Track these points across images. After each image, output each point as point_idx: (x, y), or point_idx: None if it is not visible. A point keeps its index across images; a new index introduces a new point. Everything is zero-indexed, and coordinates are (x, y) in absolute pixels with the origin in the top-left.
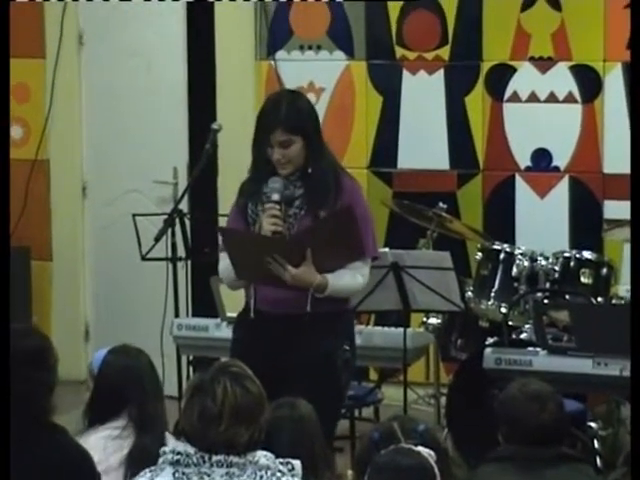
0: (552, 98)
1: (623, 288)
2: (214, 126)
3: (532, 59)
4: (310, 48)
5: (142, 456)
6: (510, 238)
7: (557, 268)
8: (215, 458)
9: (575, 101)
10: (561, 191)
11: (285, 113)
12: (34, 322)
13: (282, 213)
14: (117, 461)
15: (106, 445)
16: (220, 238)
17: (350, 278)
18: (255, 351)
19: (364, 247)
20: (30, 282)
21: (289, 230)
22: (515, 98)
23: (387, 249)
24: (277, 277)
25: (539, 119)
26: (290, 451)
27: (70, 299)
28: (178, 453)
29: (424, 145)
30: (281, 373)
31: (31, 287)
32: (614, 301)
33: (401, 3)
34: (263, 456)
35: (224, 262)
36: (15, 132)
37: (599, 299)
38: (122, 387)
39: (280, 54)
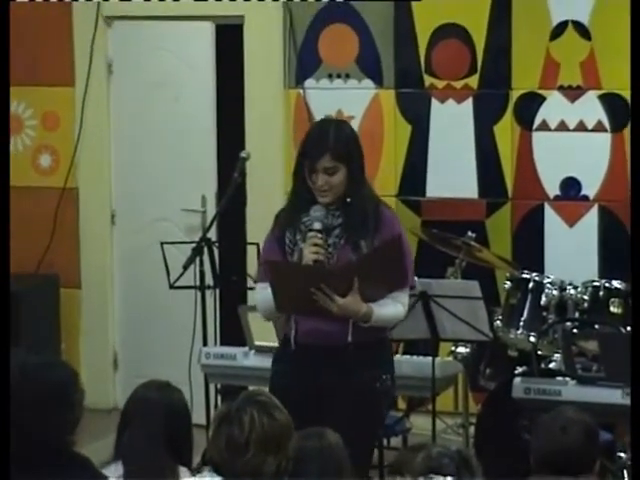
0: (581, 127)
1: None
2: (243, 154)
3: (561, 88)
4: (339, 76)
5: None
6: (539, 267)
7: (586, 297)
8: None
9: (604, 130)
10: (590, 220)
11: (333, 140)
12: (63, 350)
13: (324, 242)
14: None
15: None
16: (261, 270)
17: (393, 307)
18: (297, 383)
19: (406, 277)
20: (59, 310)
21: (328, 259)
22: (544, 127)
23: (415, 278)
24: (319, 308)
25: (568, 148)
26: None
27: (99, 327)
28: None
29: (453, 174)
30: (324, 404)
31: (60, 315)
32: None
33: (430, 32)
34: None
35: (262, 294)
36: (44, 160)
37: (628, 329)
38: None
39: (309, 82)
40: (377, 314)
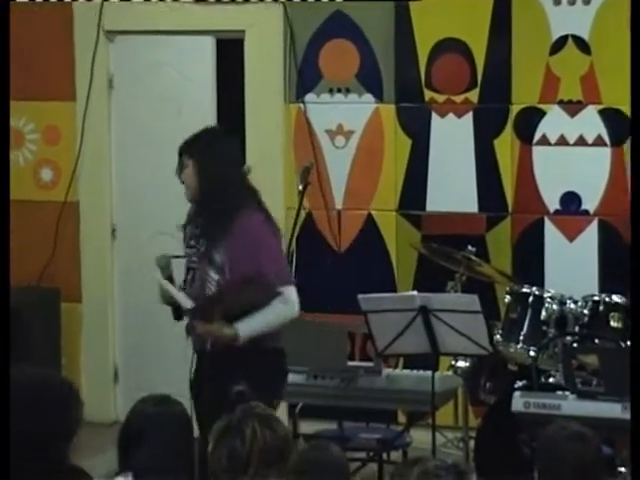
0: (581, 141)
1: None
2: (243, 168)
3: (561, 102)
4: (339, 91)
5: None
6: (539, 281)
7: (586, 312)
8: None
9: (604, 144)
10: (590, 234)
11: (190, 136)
12: (63, 364)
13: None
14: None
15: None
16: None
17: (264, 315)
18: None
19: (270, 284)
20: (60, 324)
21: (198, 270)
22: (544, 141)
23: (415, 292)
24: None
25: (568, 162)
26: None
27: (99, 341)
28: None
29: (453, 188)
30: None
31: (60, 329)
32: None
33: (430, 47)
34: None
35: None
36: (45, 174)
37: (628, 343)
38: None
39: (309, 97)
40: (245, 331)
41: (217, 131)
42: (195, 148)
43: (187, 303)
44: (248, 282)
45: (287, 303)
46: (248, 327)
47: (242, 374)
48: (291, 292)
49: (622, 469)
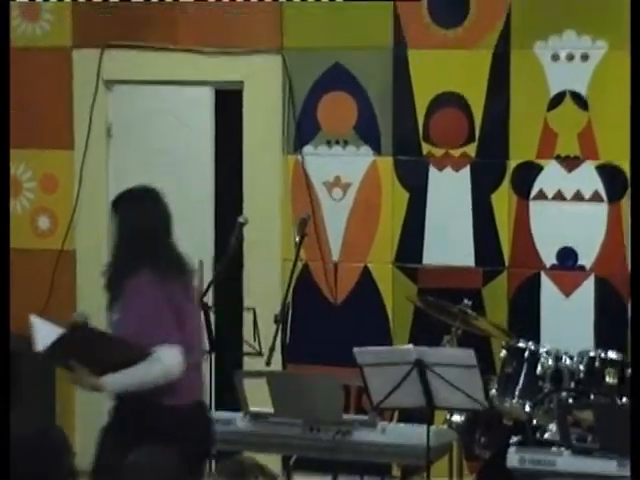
0: (578, 197)
1: None
2: (240, 220)
3: (558, 158)
4: (337, 143)
5: None
6: (535, 336)
7: (582, 367)
8: None
9: (601, 200)
10: (586, 290)
11: None
12: (58, 412)
13: None
14: None
15: None
16: None
17: (132, 371)
18: None
19: (137, 346)
20: (54, 374)
21: None
22: (541, 196)
23: (411, 346)
24: None
25: (565, 218)
26: None
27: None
28: None
29: (450, 241)
30: None
31: (55, 378)
32: None
33: (428, 100)
34: None
35: None
36: (42, 222)
37: (624, 399)
38: None
39: (307, 149)
40: (109, 382)
41: (140, 191)
42: (118, 205)
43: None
44: (117, 341)
45: (159, 362)
46: (113, 379)
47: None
48: (165, 352)
49: None
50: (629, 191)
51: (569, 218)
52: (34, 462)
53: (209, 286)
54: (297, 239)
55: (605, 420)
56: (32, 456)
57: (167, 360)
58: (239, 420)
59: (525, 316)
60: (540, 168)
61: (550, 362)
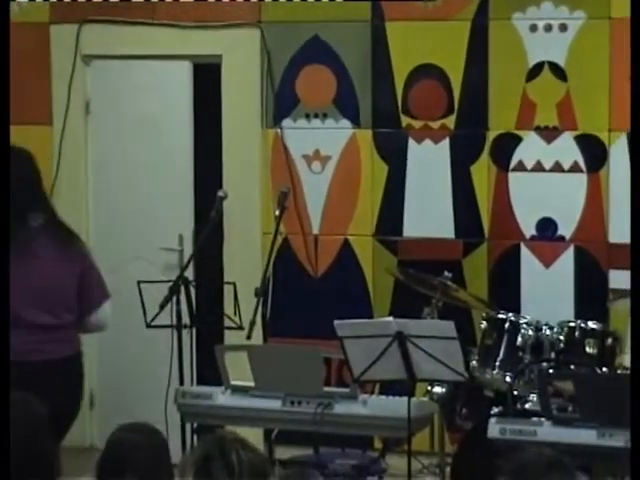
0: (557, 167)
1: (628, 358)
2: (220, 194)
3: (538, 129)
4: (316, 116)
5: None
6: (515, 307)
7: (562, 338)
8: None
9: (580, 171)
10: (566, 260)
11: None
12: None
13: None
14: None
15: None
16: None
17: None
18: None
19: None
20: None
21: None
22: (520, 167)
23: (391, 318)
24: None
25: (544, 188)
26: None
27: None
28: None
29: (429, 214)
30: None
31: None
32: (619, 371)
33: (407, 73)
34: None
35: None
36: None
37: (604, 369)
38: (120, 465)
39: (286, 122)
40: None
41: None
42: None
43: None
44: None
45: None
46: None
47: None
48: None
49: None
50: (608, 161)
51: (548, 189)
52: (14, 437)
53: (189, 260)
54: (277, 213)
55: (585, 390)
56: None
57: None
58: (220, 394)
59: (505, 287)
60: (519, 139)
61: (530, 333)
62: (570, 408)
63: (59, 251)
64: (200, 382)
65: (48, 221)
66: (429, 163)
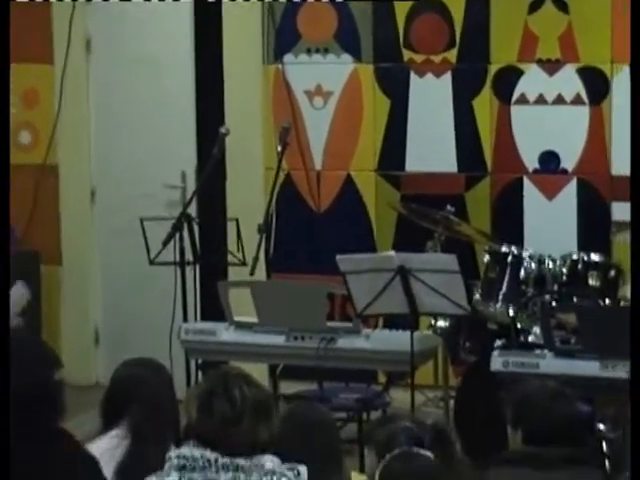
0: (560, 100)
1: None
2: (222, 130)
3: (539, 61)
4: (317, 51)
5: (133, 467)
6: (518, 240)
7: (565, 270)
8: (221, 461)
9: (583, 103)
10: (569, 193)
11: None
12: (43, 326)
13: None
14: (110, 471)
15: (101, 455)
16: None
17: None
18: None
19: None
20: (40, 286)
21: None
22: (523, 100)
23: (393, 252)
24: None
25: (547, 121)
26: (300, 454)
27: (79, 303)
28: (184, 457)
29: (432, 148)
30: None
31: (41, 292)
32: (622, 303)
33: (408, 7)
34: (269, 460)
35: None
36: (24, 137)
37: (607, 301)
38: (126, 399)
39: (288, 58)
40: None
41: None
42: None
43: None
44: None
45: None
46: None
47: None
48: None
49: (600, 426)
50: (610, 93)
51: (551, 122)
52: (18, 373)
53: (192, 197)
54: (279, 148)
55: (588, 322)
56: (16, 367)
57: None
58: (224, 330)
59: (508, 220)
60: (521, 72)
61: (533, 266)
62: (573, 340)
63: None
64: (204, 318)
65: None
66: (431, 97)
